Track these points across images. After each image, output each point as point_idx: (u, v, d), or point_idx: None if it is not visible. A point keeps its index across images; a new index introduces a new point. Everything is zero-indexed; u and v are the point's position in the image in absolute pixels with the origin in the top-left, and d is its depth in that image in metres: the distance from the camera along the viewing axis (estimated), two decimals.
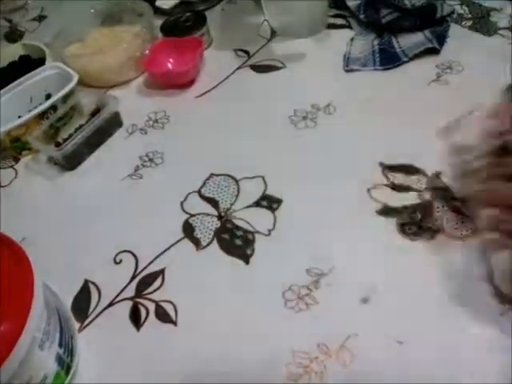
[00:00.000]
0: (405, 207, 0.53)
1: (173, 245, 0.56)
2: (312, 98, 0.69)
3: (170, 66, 0.80)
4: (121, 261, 0.55)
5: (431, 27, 0.72)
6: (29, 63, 0.80)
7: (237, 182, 0.60)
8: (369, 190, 0.56)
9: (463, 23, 0.75)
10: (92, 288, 0.54)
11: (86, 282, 0.54)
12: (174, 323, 0.49)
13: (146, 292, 0.52)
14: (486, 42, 0.71)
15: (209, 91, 0.74)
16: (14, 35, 0.98)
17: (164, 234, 0.57)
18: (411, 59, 0.70)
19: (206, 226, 0.56)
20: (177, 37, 0.80)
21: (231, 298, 0.50)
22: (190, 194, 0.60)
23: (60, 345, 0.44)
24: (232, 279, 0.51)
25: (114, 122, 0.71)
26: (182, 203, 0.59)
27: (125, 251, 0.56)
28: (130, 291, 0.53)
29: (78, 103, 0.71)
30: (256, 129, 0.66)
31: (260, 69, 0.76)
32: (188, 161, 0.65)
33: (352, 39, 0.76)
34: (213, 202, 0.59)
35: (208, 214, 0.58)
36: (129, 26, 0.83)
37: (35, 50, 0.82)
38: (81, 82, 0.73)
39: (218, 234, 0.56)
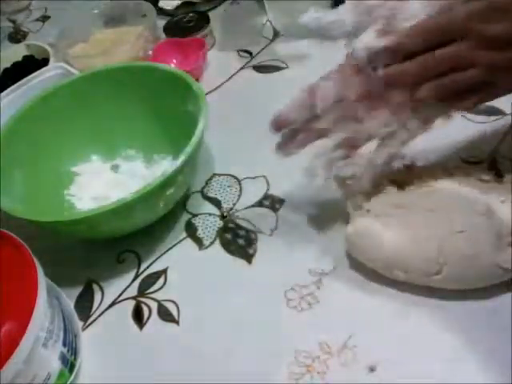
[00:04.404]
0: None
1: (175, 244, 0.56)
2: None
3: (173, 66, 0.80)
4: (124, 260, 0.56)
5: None
6: (32, 63, 0.80)
7: (239, 181, 0.60)
8: None
9: None
10: (95, 287, 0.54)
11: (90, 281, 0.55)
12: (177, 322, 0.50)
13: (148, 291, 0.52)
14: None
15: (212, 92, 0.74)
16: (17, 35, 0.99)
17: (167, 233, 0.57)
18: None
19: (209, 226, 0.57)
20: (180, 37, 0.80)
21: (233, 297, 0.50)
22: (192, 194, 0.60)
23: (64, 343, 0.44)
24: (234, 279, 0.52)
25: None
26: (184, 203, 0.60)
27: (127, 250, 0.56)
28: (133, 290, 0.53)
29: None
30: (258, 129, 0.66)
31: (263, 69, 0.76)
32: None
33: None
34: (216, 202, 0.59)
35: (210, 214, 0.58)
36: (132, 26, 0.83)
37: (39, 51, 0.82)
38: None
39: (220, 233, 0.56)
